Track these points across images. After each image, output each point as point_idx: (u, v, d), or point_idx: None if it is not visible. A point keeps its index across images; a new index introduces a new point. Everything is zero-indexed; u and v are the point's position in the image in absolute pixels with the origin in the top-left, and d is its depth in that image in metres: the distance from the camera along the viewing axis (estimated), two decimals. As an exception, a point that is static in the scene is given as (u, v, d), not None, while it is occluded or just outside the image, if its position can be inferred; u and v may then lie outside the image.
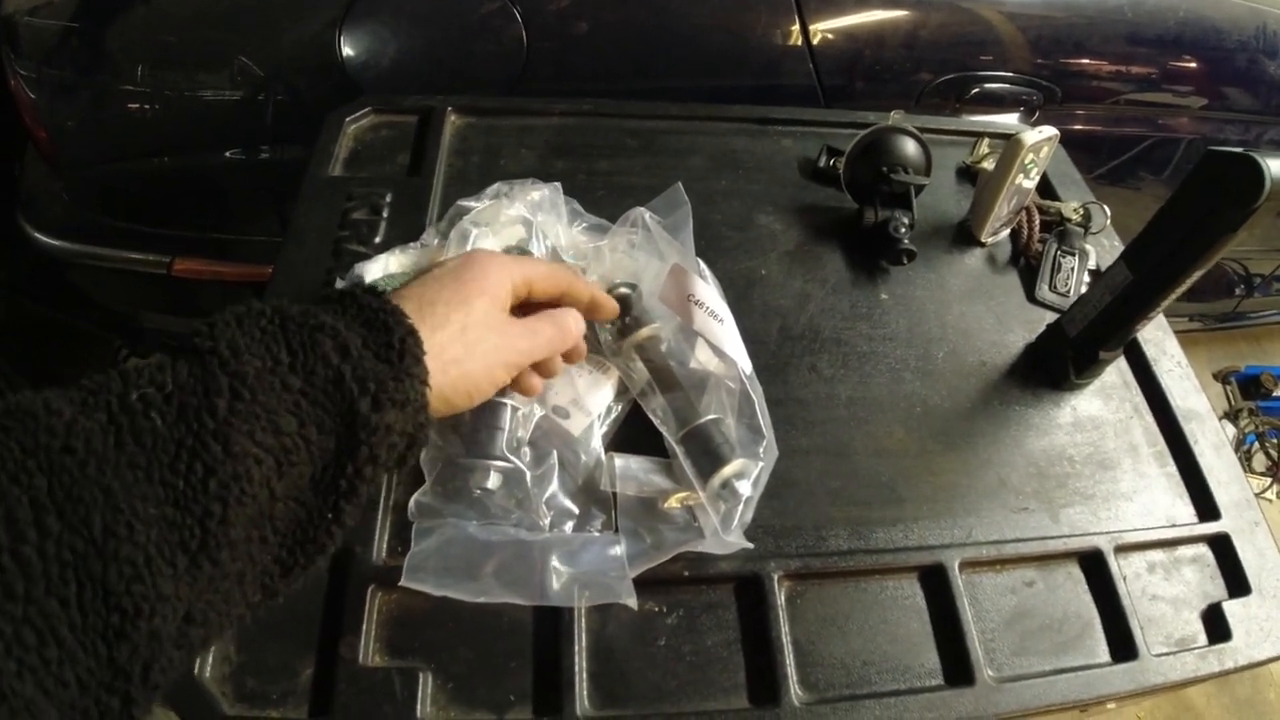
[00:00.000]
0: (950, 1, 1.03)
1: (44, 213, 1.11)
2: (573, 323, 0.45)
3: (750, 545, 0.48)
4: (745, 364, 0.53)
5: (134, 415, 0.26)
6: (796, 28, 0.99)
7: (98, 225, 1.08)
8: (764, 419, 0.52)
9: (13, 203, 1.13)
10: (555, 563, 0.45)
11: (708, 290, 0.54)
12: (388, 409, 0.32)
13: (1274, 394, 1.59)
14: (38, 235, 1.09)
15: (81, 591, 0.23)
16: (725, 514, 0.48)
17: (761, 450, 0.51)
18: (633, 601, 0.45)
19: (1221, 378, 1.60)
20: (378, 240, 0.61)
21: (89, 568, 0.23)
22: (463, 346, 0.38)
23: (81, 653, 0.23)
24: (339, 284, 0.54)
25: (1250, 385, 1.60)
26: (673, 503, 0.49)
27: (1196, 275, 0.55)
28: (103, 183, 1.06)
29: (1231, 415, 1.57)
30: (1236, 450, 1.52)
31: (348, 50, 0.93)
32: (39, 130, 1.03)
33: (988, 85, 1.07)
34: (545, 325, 0.44)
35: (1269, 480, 1.57)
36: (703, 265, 0.59)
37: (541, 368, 0.47)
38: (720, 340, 0.53)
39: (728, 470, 0.48)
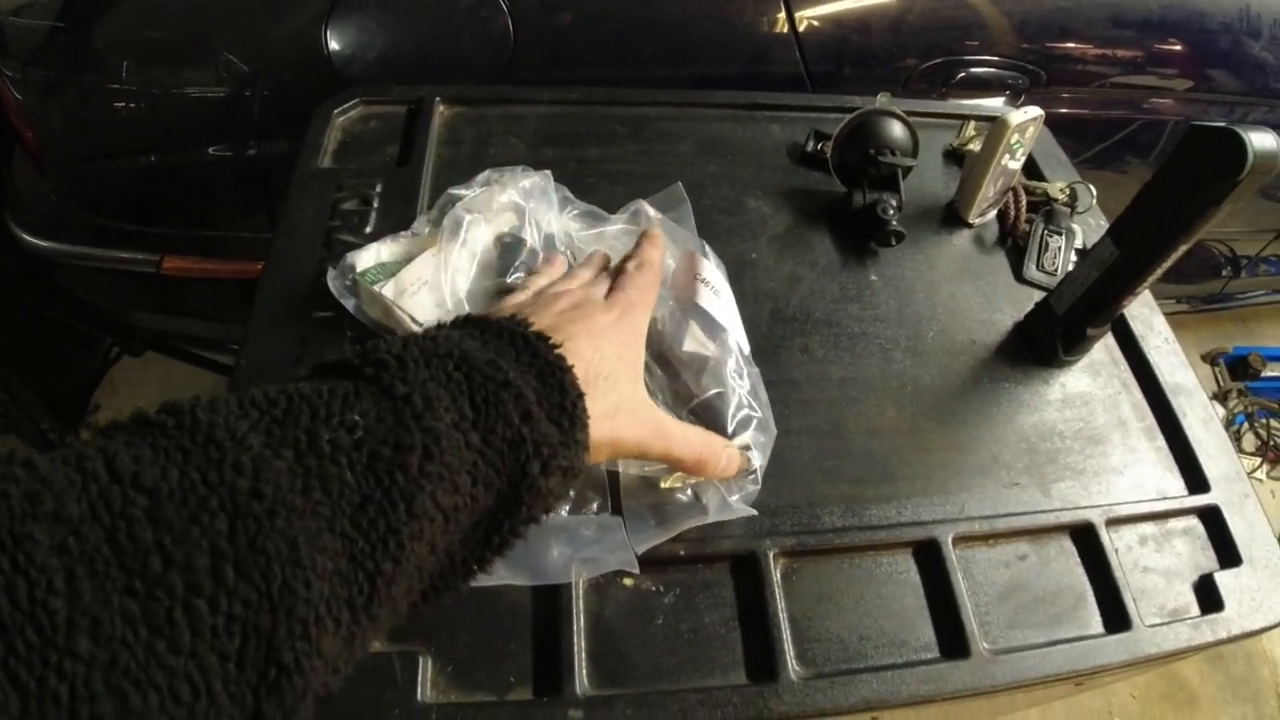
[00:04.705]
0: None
1: (32, 214, 1.10)
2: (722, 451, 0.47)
3: (754, 512, 0.48)
4: (744, 344, 0.54)
5: (323, 459, 0.25)
6: (783, 15, 0.99)
7: (86, 225, 1.07)
8: (760, 398, 0.52)
9: (0, 204, 1.12)
10: (557, 546, 0.45)
11: (714, 271, 0.55)
12: (554, 474, 0.31)
13: (1262, 374, 1.60)
14: (25, 237, 1.09)
15: (245, 645, 0.22)
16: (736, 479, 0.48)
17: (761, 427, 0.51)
18: (634, 567, 0.45)
19: (1210, 359, 1.62)
20: (369, 230, 0.61)
21: (258, 622, 0.22)
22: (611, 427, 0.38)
23: (229, 703, 0.22)
24: (331, 274, 0.54)
25: (1239, 366, 1.61)
26: (674, 482, 0.50)
27: (1182, 250, 0.55)
28: (90, 181, 1.06)
29: (1221, 396, 1.59)
30: (1226, 431, 1.53)
31: (334, 44, 0.93)
32: (26, 130, 1.02)
33: (974, 70, 1.07)
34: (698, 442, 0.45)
35: (1259, 460, 1.58)
36: (707, 248, 0.59)
37: None
38: (724, 319, 0.53)
39: (741, 439, 0.48)
